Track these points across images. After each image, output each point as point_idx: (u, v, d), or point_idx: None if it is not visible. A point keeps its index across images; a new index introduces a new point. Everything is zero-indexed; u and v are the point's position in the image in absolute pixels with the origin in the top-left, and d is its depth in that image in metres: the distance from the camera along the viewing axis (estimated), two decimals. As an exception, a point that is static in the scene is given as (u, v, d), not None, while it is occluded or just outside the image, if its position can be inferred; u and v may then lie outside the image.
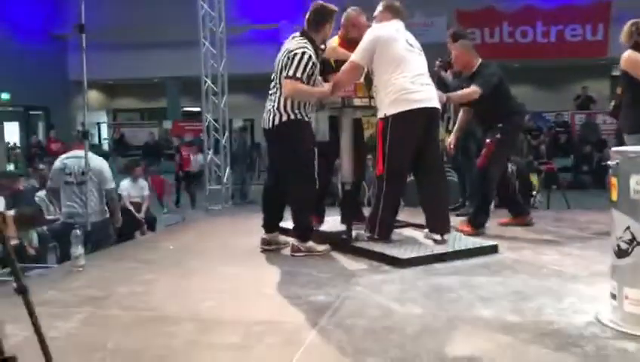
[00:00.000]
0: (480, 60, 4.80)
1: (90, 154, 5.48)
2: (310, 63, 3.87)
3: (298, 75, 3.84)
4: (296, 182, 3.99)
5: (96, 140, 18.50)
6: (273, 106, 3.97)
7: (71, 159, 5.49)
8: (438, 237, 4.04)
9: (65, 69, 17.29)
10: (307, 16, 4.03)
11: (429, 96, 4.00)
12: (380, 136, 4.00)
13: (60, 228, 6.27)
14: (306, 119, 4.01)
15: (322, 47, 4.13)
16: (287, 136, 3.96)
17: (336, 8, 4.08)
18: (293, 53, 3.87)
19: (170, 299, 3.21)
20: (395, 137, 3.93)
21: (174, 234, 5.40)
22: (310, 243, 4.06)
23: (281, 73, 3.94)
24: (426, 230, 4.16)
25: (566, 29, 14.71)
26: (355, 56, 4.06)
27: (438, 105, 4.09)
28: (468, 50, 4.86)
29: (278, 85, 3.98)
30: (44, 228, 6.53)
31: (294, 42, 3.94)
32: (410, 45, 4.07)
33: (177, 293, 3.32)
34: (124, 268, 3.95)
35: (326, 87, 4.11)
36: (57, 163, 5.60)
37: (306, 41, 3.94)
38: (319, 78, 4.31)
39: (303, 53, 3.86)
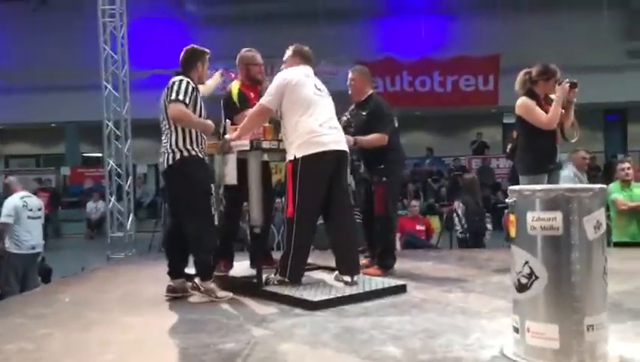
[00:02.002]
0: (371, 91, 4.89)
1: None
2: (191, 89, 3.91)
3: (180, 97, 3.85)
4: (192, 221, 3.90)
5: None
6: (166, 147, 3.94)
7: (26, 198, 6.46)
8: (348, 278, 4.05)
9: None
10: (180, 59, 4.09)
11: (337, 139, 4.08)
12: (290, 178, 4.00)
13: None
14: (201, 155, 3.98)
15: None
16: (182, 174, 3.91)
17: (207, 50, 4.16)
18: (172, 82, 3.93)
19: (65, 355, 2.96)
20: (305, 179, 3.94)
21: (71, 286, 5.04)
22: (211, 285, 3.96)
23: (166, 109, 3.92)
24: (336, 272, 4.17)
25: (460, 80, 15.66)
26: (264, 99, 4.09)
27: (346, 148, 4.17)
28: (366, 78, 4.88)
29: (167, 125, 3.96)
30: None
31: (173, 78, 3.99)
32: (319, 90, 4.15)
33: (74, 348, 3.08)
34: (12, 324, 3.61)
35: (228, 130, 4.17)
36: (16, 201, 6.36)
37: (183, 77, 3.98)
38: (228, 121, 4.31)
39: (181, 80, 3.92)
